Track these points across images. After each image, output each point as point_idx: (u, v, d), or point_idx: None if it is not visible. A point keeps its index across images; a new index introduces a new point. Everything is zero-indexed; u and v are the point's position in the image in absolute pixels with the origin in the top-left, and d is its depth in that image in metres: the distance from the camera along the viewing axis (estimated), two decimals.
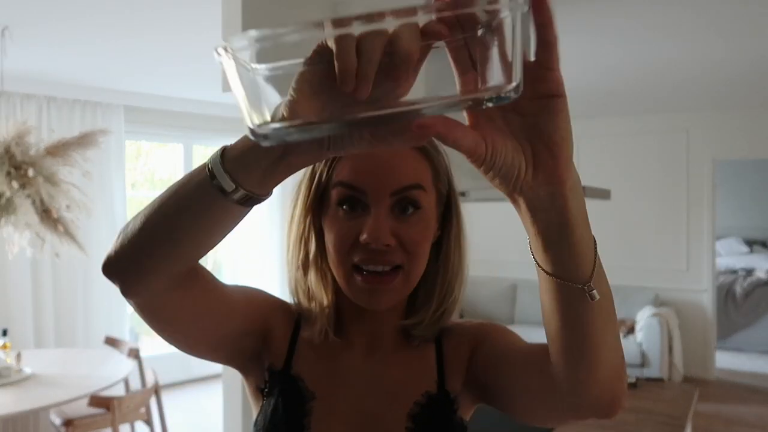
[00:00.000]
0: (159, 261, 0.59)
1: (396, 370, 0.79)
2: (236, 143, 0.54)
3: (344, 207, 0.71)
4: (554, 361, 0.61)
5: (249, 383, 0.83)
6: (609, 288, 0.57)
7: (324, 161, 0.73)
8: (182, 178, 0.58)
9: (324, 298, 0.77)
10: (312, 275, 0.78)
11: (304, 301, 0.80)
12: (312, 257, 0.77)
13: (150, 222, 0.57)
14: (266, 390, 0.79)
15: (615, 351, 0.60)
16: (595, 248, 0.55)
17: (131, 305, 0.64)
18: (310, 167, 0.75)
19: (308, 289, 0.78)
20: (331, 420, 0.76)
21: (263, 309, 0.80)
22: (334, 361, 0.79)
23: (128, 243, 0.58)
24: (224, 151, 0.54)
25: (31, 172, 2.76)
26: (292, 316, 0.82)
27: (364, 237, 0.68)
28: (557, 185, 0.49)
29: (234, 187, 0.53)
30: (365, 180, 0.70)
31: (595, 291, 0.54)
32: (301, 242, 0.78)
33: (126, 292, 0.61)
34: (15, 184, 2.72)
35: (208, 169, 0.54)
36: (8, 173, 2.74)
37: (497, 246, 6.47)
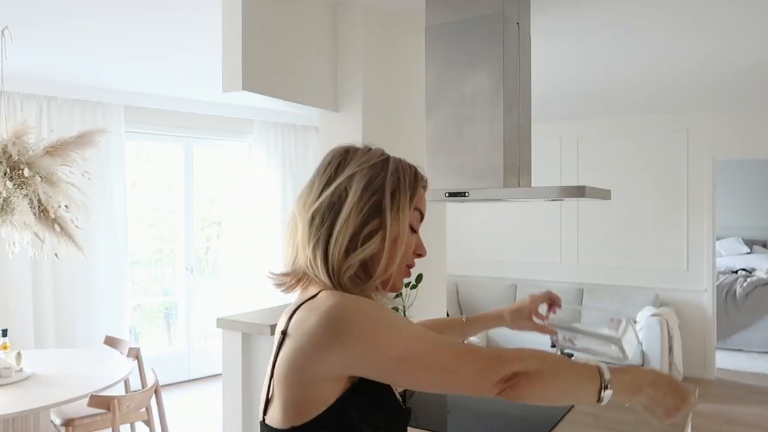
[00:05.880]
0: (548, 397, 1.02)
1: None
2: (619, 381, 1.00)
3: (412, 227, 1.03)
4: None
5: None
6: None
7: (411, 198, 1.03)
8: (580, 376, 1.00)
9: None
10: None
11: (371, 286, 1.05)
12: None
13: (556, 385, 0.99)
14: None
15: None
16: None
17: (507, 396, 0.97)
18: (406, 203, 1.02)
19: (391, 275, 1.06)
20: None
21: None
22: None
23: (541, 381, 0.97)
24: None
25: (26, 172, 2.75)
26: None
27: (423, 250, 1.06)
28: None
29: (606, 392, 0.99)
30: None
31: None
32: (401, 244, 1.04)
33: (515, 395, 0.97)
34: (9, 184, 2.72)
35: (604, 382, 0.99)
36: (5, 173, 2.74)
37: (497, 246, 6.47)
